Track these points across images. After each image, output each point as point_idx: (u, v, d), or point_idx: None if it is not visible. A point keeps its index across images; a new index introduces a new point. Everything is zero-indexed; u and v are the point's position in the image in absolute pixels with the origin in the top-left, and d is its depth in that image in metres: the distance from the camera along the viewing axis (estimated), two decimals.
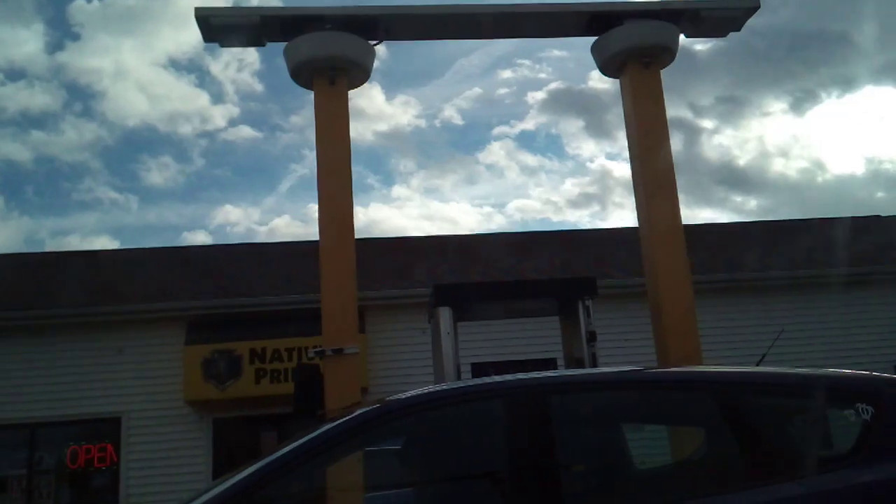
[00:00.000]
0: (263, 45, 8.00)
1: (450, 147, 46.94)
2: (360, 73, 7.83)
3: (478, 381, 3.85)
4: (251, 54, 43.86)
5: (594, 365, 6.33)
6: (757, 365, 4.66)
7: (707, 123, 43.50)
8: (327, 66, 7.59)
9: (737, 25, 7.95)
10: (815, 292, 12.45)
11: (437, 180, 46.14)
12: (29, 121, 39.24)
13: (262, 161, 43.68)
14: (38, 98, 39.28)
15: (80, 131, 40.18)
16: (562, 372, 6.09)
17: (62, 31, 40.92)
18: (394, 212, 41.84)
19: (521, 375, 3.78)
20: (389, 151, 43.00)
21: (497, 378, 3.79)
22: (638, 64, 7.72)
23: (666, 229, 7.43)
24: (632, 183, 7.89)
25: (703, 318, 7.61)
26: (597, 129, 45.00)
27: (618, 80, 8.19)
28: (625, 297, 10.86)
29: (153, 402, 11.37)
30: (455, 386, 4.34)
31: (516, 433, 3.27)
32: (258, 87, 44.47)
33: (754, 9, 7.77)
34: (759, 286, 12.51)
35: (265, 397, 11.03)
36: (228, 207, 42.77)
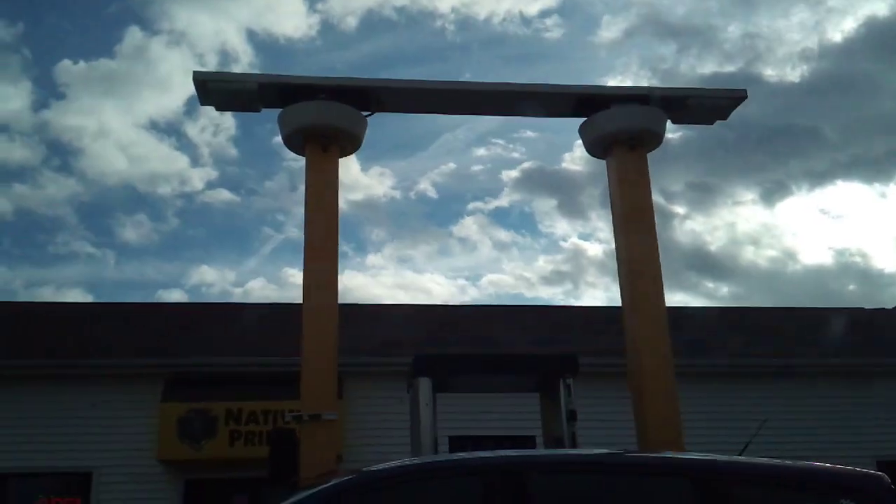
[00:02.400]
0: (259, 111, 8.00)
1: (423, 219, 47.26)
2: (351, 142, 7.82)
3: (455, 456, 3.70)
4: (228, 119, 44.48)
5: (574, 445, 6.13)
6: (740, 454, 4.50)
7: (678, 209, 44.06)
8: (320, 134, 7.57)
9: (723, 114, 8.01)
10: (796, 381, 12.28)
11: (410, 251, 46.29)
12: (8, 173, 39.29)
13: (239, 224, 43.82)
14: (18, 152, 39.46)
15: (59, 186, 40.26)
16: (541, 451, 5.89)
17: (48, 90, 41.37)
18: (368, 280, 41.75)
19: (499, 452, 3.63)
20: (362, 220, 43.24)
21: (475, 454, 3.63)
22: (624, 147, 7.73)
23: (649, 311, 7.31)
24: (614, 262, 7.83)
25: (682, 403, 7.43)
26: (570, 209, 45.48)
27: (599, 162, 8.21)
28: (604, 377, 10.66)
29: (125, 459, 10.90)
30: (432, 460, 4.17)
31: None
32: (236, 151, 44.96)
33: (741, 99, 7.84)
34: (740, 373, 12.33)
35: (239, 460, 10.61)
36: (204, 268, 42.63)
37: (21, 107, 40.64)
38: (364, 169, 46.39)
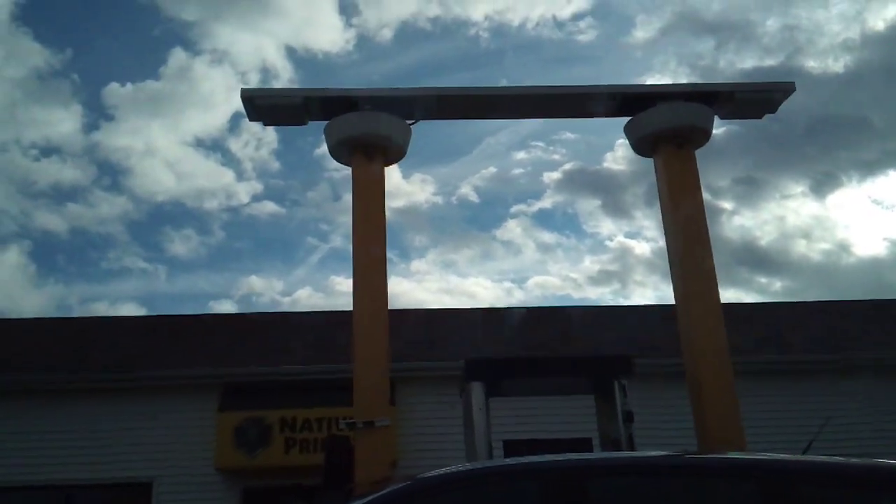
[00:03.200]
0: (305, 124, 8.06)
1: (465, 224, 47.22)
2: (396, 151, 7.83)
3: (512, 460, 3.62)
4: (270, 133, 45.17)
5: (631, 447, 6.01)
6: (804, 453, 4.35)
7: (725, 204, 43.23)
8: (365, 144, 7.59)
9: (772, 108, 7.81)
10: (859, 377, 11.86)
11: (453, 255, 46.27)
12: (62, 194, 40.45)
13: (284, 235, 44.50)
14: (70, 173, 40.59)
15: (110, 205, 41.32)
16: (600, 454, 5.79)
17: (97, 113, 42.50)
18: (413, 285, 41.89)
19: (557, 456, 3.54)
20: (404, 227, 43.48)
21: (533, 458, 3.56)
22: (671, 145, 7.59)
23: (704, 309, 7.14)
24: (662, 260, 7.70)
25: (742, 402, 7.24)
26: (614, 209, 44.97)
27: (643, 160, 8.08)
28: (658, 377, 10.48)
29: (184, 469, 11.07)
30: (489, 464, 4.11)
31: None
32: (279, 164, 45.67)
33: (789, 91, 7.64)
34: (800, 369, 11.99)
35: (294, 467, 10.69)
36: (253, 278, 43.31)
37: (72, 129, 41.82)
38: (405, 176, 46.63)
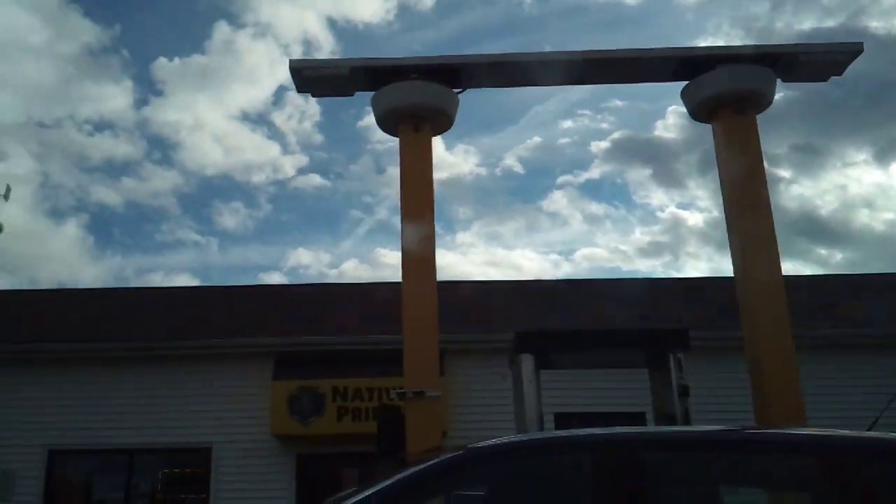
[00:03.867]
0: (352, 95, 8.00)
1: (510, 195, 46.84)
2: (444, 120, 7.72)
3: (565, 432, 3.58)
4: (312, 106, 45.40)
5: (686, 421, 5.87)
6: (869, 429, 4.15)
7: (783, 173, 41.98)
8: (412, 114, 7.50)
9: (838, 70, 7.42)
10: None
11: (498, 227, 46.01)
12: (115, 168, 41.42)
13: (330, 207, 44.93)
14: (123, 148, 41.48)
15: (161, 178, 42.21)
16: (656, 427, 5.68)
17: (147, 88, 43.29)
18: (458, 257, 41.89)
19: (612, 429, 3.47)
20: (448, 199, 43.43)
21: (586, 431, 3.48)
22: (731, 110, 7.29)
23: (765, 281, 6.88)
24: (716, 231, 7.46)
25: (802, 376, 7.00)
26: (666, 178, 44.00)
27: (696, 128, 7.77)
28: (712, 350, 10.22)
29: (242, 435, 11.31)
30: (541, 436, 4.07)
31: (605, 489, 3.01)
32: (322, 137, 45.95)
33: (857, 52, 7.24)
34: (863, 343, 11.56)
35: (346, 435, 10.80)
36: (301, 250, 43.91)
37: (124, 105, 42.72)
38: (449, 147, 46.52)
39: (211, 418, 11.34)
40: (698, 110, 7.59)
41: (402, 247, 7.35)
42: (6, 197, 18.05)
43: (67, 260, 40.05)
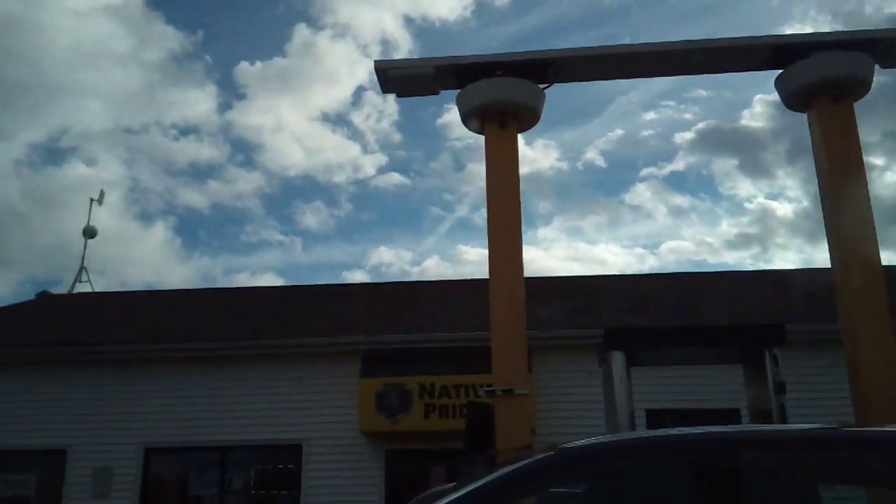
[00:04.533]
0: (437, 94, 8.12)
1: (591, 189, 46.19)
2: (530, 117, 7.76)
3: (659, 432, 3.55)
4: (390, 105, 45.91)
5: (783, 418, 5.80)
6: None
7: (876, 160, 40.07)
8: (499, 111, 7.57)
9: None
10: None
11: (579, 222, 45.48)
12: (200, 172, 42.89)
13: (410, 205, 45.38)
14: (207, 151, 42.90)
15: (245, 181, 43.51)
16: (754, 426, 5.62)
17: (230, 92, 44.61)
18: (540, 253, 41.64)
19: (709, 428, 3.46)
20: (529, 194, 43.16)
21: (681, 430, 3.49)
22: (827, 97, 7.11)
23: (864, 272, 6.71)
24: (806, 222, 7.30)
25: None
26: (753, 168, 42.60)
27: (784, 117, 7.62)
28: (806, 345, 9.97)
29: (331, 431, 11.63)
30: (634, 437, 4.07)
31: (703, 491, 2.98)
32: (400, 136, 46.40)
33: None
34: None
35: (434, 432, 11.01)
36: (383, 249, 44.51)
37: (207, 109, 44.24)
38: (528, 143, 46.35)
39: (301, 416, 11.70)
40: (793, 99, 7.44)
41: (490, 243, 7.44)
42: (100, 202, 19.09)
43: (156, 262, 41.82)
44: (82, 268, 18.20)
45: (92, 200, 18.65)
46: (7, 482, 12.21)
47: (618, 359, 6.18)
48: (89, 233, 18.43)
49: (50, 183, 40.25)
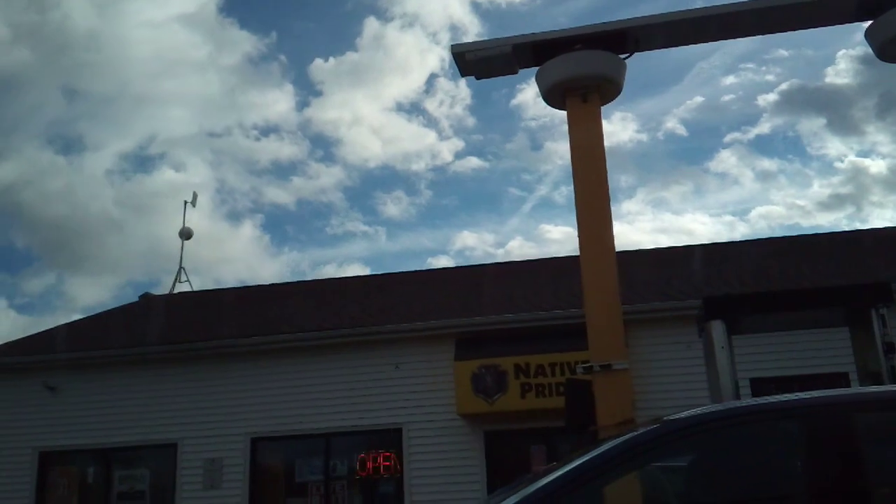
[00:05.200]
0: (516, 73, 8.20)
1: (673, 159, 45.06)
2: (612, 88, 7.77)
3: (767, 399, 3.56)
4: (462, 89, 45.86)
5: (893, 379, 5.70)
6: None
7: None
8: (580, 85, 7.61)
9: None
10: None
11: (663, 193, 44.48)
12: (283, 169, 43.96)
13: (489, 188, 45.41)
14: (288, 149, 43.89)
15: (326, 175, 44.39)
16: (864, 389, 5.54)
17: (307, 90, 45.43)
18: (625, 227, 40.99)
19: (818, 392, 3.46)
20: (608, 169, 42.33)
21: (790, 396, 3.51)
22: None
23: None
24: None
25: None
26: (842, 126, 40.73)
27: (870, 71, 7.39)
28: None
29: (429, 415, 11.89)
30: (740, 404, 4.07)
31: (817, 456, 2.96)
32: (474, 119, 46.35)
33: None
34: None
35: (531, 411, 11.14)
36: (465, 233, 44.75)
37: (286, 108, 45.32)
38: (605, 116, 45.29)
39: (400, 400, 12.00)
40: (886, 49, 7.20)
41: (578, 219, 7.50)
42: (194, 203, 19.90)
43: (247, 259, 43.27)
44: (181, 268, 19.01)
45: (185, 203, 19.44)
46: (123, 478, 12.99)
47: (718, 328, 6.17)
48: (186, 234, 19.21)
49: (141, 190, 42.08)
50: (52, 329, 15.95)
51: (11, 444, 12.95)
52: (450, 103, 46.31)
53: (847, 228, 32.28)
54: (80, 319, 17.24)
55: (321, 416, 12.22)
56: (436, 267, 25.13)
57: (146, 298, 17.63)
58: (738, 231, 43.64)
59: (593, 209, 7.44)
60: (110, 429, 12.76)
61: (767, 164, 44.32)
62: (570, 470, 2.99)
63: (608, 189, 7.56)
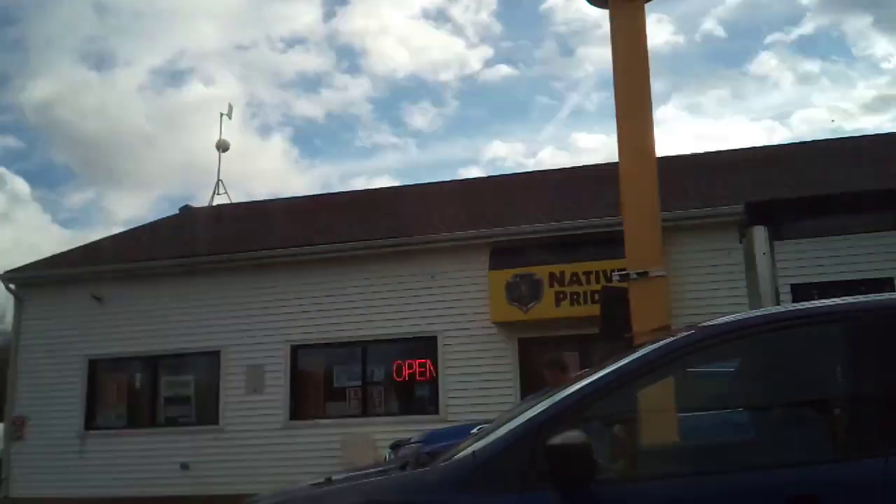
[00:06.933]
0: None
1: (710, 63, 43.53)
2: None
3: (808, 304, 3.47)
4: None
5: None
6: None
7: None
8: None
9: None
10: None
11: (699, 98, 43.20)
12: (310, 82, 43.31)
13: (519, 97, 44.45)
14: (315, 61, 43.18)
15: (354, 87, 43.71)
16: None
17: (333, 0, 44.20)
18: (659, 134, 40.12)
19: (863, 297, 3.35)
20: None
21: (833, 301, 3.40)
22: None
23: None
24: None
25: None
26: (889, 25, 38.81)
27: None
28: None
29: (464, 323, 12.03)
30: (780, 310, 3.97)
31: (860, 361, 2.85)
32: (501, 25, 44.98)
33: None
34: None
35: (565, 319, 11.18)
36: (496, 143, 44.19)
37: (312, 19, 44.52)
38: None
39: (435, 309, 12.13)
40: None
41: (618, 122, 7.27)
42: (230, 115, 19.83)
43: (278, 172, 43.51)
44: (219, 181, 19.14)
45: (221, 115, 19.40)
46: (170, 383, 13.43)
47: (759, 234, 6.02)
48: (223, 146, 19.29)
49: (173, 104, 42.25)
50: (96, 241, 16.28)
51: (62, 353, 13.38)
52: (475, 9, 45.10)
53: (893, 130, 31.15)
54: (124, 232, 17.55)
55: (358, 324, 12.43)
56: (467, 177, 24.99)
57: (187, 210, 17.82)
58: (779, 135, 42.60)
59: (634, 111, 7.16)
60: (156, 337, 13.12)
61: (810, 65, 42.89)
62: (605, 374, 2.97)
63: (650, 91, 7.25)
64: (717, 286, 10.63)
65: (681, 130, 42.49)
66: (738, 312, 3.29)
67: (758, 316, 3.35)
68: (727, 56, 45.22)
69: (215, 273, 13.22)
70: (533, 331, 11.74)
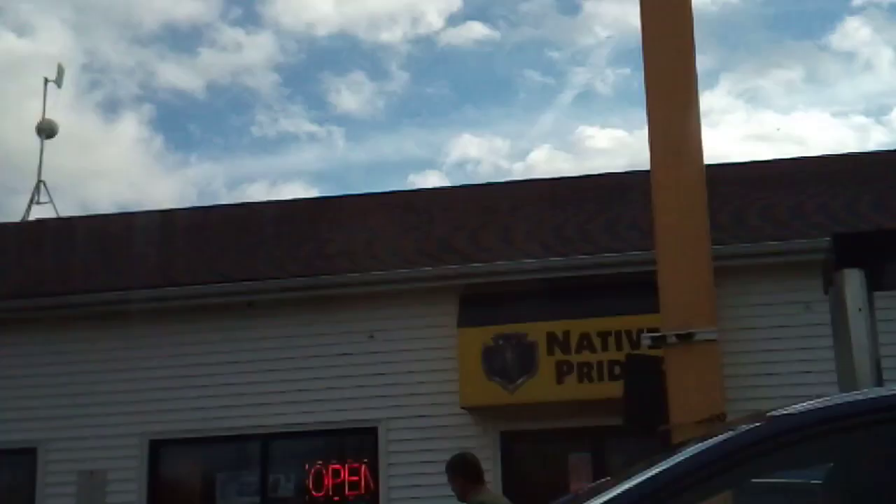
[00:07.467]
0: None
1: (775, 32, 44.33)
2: None
3: None
4: None
5: None
6: None
7: None
8: None
9: None
10: None
11: (759, 81, 43.99)
12: (179, 37, 42.69)
13: (501, 71, 44.27)
14: (187, 6, 42.62)
15: (250, 47, 43.37)
16: None
17: None
18: (706, 130, 40.56)
19: None
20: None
21: None
22: None
23: None
24: None
25: None
26: None
27: None
28: None
29: (418, 408, 11.97)
30: (886, 394, 4.11)
31: None
32: None
33: None
34: None
35: (570, 403, 11.27)
36: (467, 137, 43.98)
37: None
38: None
39: (376, 386, 12.04)
40: None
41: (649, 116, 7.44)
42: (59, 83, 19.27)
43: (130, 172, 42.77)
44: (39, 182, 18.52)
45: (46, 83, 18.94)
46: None
47: (853, 279, 6.21)
48: (47, 130, 18.65)
49: None
50: None
51: None
52: None
53: None
54: None
55: (255, 408, 12.35)
56: (424, 187, 24.97)
57: None
58: (873, 138, 43.44)
59: (674, 102, 7.38)
60: None
61: None
62: (632, 488, 3.02)
63: (695, 72, 7.47)
64: (790, 355, 10.87)
65: (733, 127, 42.95)
66: (824, 396, 3.45)
67: (854, 402, 3.48)
68: (799, 23, 45.98)
69: (23, 329, 13.08)
70: (523, 420, 11.84)
